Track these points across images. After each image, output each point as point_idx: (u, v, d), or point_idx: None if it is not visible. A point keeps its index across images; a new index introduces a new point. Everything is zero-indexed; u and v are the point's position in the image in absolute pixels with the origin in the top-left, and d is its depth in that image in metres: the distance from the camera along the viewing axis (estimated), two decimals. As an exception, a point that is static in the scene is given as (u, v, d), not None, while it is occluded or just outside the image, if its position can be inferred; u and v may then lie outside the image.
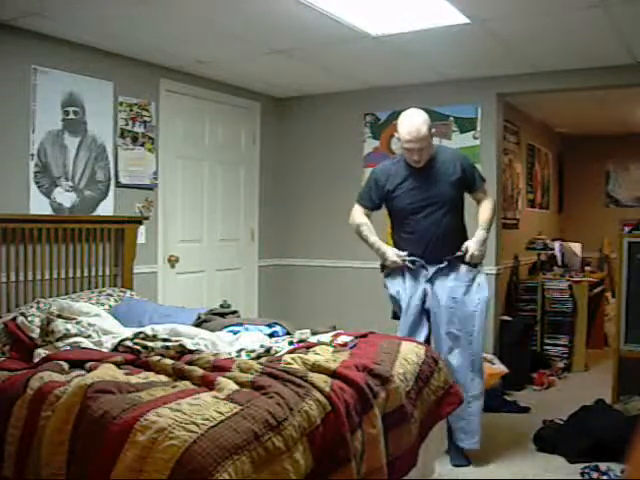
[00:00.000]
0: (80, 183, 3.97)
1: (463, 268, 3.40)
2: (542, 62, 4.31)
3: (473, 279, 3.41)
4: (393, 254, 3.42)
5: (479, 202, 3.60)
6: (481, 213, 3.57)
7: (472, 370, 3.34)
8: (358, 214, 3.59)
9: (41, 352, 2.83)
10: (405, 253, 3.42)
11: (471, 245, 3.40)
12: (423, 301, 3.38)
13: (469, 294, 3.37)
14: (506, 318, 5.12)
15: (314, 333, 3.13)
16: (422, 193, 3.42)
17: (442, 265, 3.39)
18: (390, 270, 3.49)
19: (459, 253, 3.39)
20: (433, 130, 3.39)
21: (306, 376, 2.28)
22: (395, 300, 3.47)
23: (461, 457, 3.39)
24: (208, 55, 4.24)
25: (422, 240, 3.42)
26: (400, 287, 3.43)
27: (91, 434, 2.01)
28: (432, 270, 3.39)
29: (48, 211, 3.78)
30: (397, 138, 3.39)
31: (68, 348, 2.85)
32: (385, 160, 3.77)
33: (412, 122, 3.28)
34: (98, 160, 4.08)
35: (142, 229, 4.32)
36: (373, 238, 3.52)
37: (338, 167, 5.38)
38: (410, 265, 3.40)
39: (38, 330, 3.03)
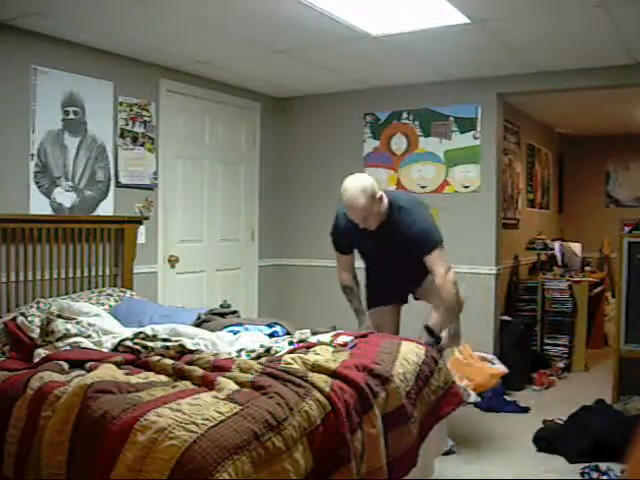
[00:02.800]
0: (80, 183, 3.97)
1: None
2: (542, 62, 4.31)
3: None
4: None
5: (432, 272, 3.24)
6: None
7: None
8: (341, 269, 3.51)
9: (41, 352, 2.83)
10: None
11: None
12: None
13: None
14: (506, 318, 5.11)
15: (314, 333, 3.13)
16: (378, 248, 3.35)
17: None
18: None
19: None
20: (379, 194, 3.12)
21: (306, 376, 2.28)
22: None
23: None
24: (208, 55, 4.24)
25: (384, 284, 3.54)
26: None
27: (91, 434, 2.01)
28: None
29: (48, 211, 3.78)
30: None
31: (68, 348, 2.85)
32: (340, 209, 3.36)
33: (349, 194, 3.06)
34: (98, 160, 4.07)
35: (142, 229, 4.32)
36: (355, 304, 3.52)
37: (338, 167, 5.35)
38: None
39: (38, 330, 3.03)
